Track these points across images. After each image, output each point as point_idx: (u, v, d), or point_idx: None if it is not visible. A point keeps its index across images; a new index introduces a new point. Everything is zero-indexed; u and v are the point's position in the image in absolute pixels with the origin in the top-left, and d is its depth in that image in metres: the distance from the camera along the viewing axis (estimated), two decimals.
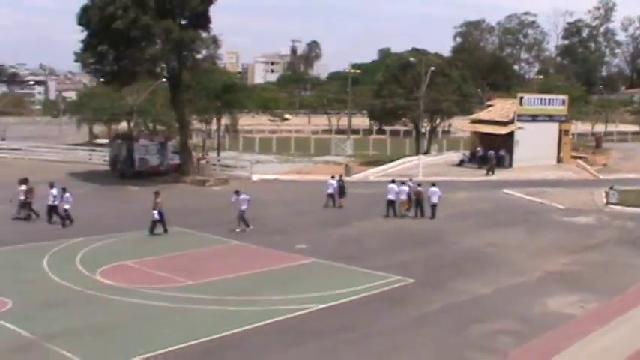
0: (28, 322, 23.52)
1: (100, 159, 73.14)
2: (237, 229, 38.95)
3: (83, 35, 59.55)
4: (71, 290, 27.65)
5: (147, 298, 26.61)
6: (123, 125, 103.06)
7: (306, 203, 50.37)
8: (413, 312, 25.77)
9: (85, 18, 58.75)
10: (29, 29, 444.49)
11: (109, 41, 58.10)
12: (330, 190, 48.68)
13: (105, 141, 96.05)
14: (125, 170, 62.43)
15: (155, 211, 38.37)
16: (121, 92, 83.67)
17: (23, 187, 42.51)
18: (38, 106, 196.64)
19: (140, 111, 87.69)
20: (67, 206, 40.33)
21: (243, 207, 39.65)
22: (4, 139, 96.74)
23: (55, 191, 40.98)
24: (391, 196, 45.08)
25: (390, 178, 49.78)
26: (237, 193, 40.63)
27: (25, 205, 42.26)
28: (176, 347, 21.41)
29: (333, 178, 50.13)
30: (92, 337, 22.41)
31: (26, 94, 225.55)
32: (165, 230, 38.71)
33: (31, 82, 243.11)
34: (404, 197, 45.11)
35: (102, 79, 70.87)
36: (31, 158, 76.17)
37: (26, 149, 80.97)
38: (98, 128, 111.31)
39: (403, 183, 46.85)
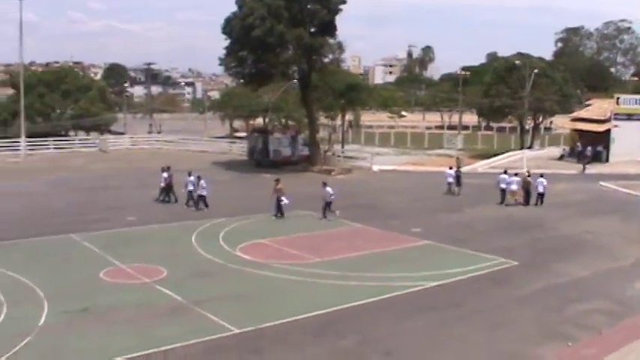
0: (180, 289, 24.30)
1: (239, 150, 74.18)
2: (331, 218, 38.14)
3: (226, 43, 60.90)
4: (215, 263, 28.38)
5: (279, 272, 27.04)
6: (259, 120, 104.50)
7: (421, 191, 50.15)
8: (516, 291, 25.41)
9: (228, 28, 59.97)
10: (180, 39, 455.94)
11: (248, 47, 59.11)
12: (450, 179, 48.66)
13: (243, 134, 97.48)
14: (261, 160, 63.19)
15: (284, 197, 38.58)
16: (258, 92, 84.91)
17: (165, 175, 43.58)
18: (187, 104, 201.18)
19: (274, 108, 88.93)
20: (203, 192, 40.83)
21: (328, 199, 38.64)
22: (159, 132, 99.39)
23: (192, 178, 41.56)
24: (503, 185, 44.52)
25: (500, 170, 48.83)
26: (324, 184, 39.62)
27: (167, 189, 43.36)
28: (303, 316, 21.78)
29: (451, 168, 50.27)
30: (233, 304, 22.98)
31: (178, 94, 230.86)
32: (276, 214, 38.68)
33: (182, 84, 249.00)
34: (514, 187, 44.37)
35: (242, 81, 71.90)
36: (181, 149, 78.11)
37: (177, 141, 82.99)
38: (237, 123, 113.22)
39: (516, 174, 46.25)
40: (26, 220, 37.21)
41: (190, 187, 41.31)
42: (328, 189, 38.74)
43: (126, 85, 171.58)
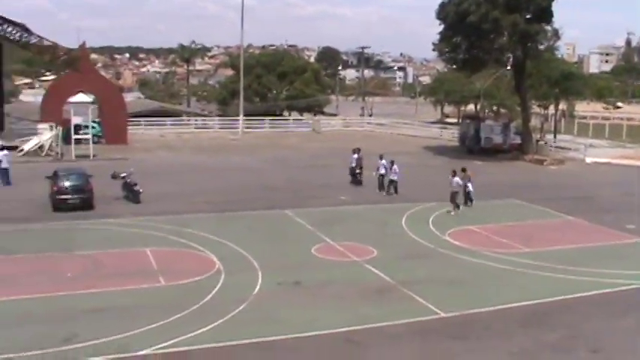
0: (389, 269, 24.66)
1: (449, 135, 73.71)
2: (452, 212, 35.67)
3: (440, 28, 60.71)
4: (424, 246, 28.55)
5: (488, 259, 26.75)
6: (470, 107, 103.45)
7: (637, 186, 47.77)
8: None
9: (442, 13, 59.78)
10: (392, 23, 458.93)
11: (462, 33, 58.71)
12: None
13: (454, 120, 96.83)
14: (472, 146, 62.34)
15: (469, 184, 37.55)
16: (470, 78, 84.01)
17: (355, 156, 43.60)
18: (398, 88, 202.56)
19: (486, 95, 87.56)
20: (394, 177, 40.17)
21: (456, 188, 36.16)
22: (371, 115, 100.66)
23: (384, 162, 41.17)
24: None
25: None
26: (454, 173, 36.43)
27: (356, 171, 43.25)
28: (511, 305, 21.48)
29: None
30: (440, 288, 23.05)
31: (389, 78, 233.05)
32: (459, 206, 36.45)
33: (394, 68, 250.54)
34: None
35: (454, 66, 71.43)
36: (392, 132, 78.68)
37: (389, 124, 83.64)
38: (448, 108, 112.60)
39: None
40: (245, 194, 39.03)
41: (382, 171, 41.00)
42: (456, 179, 36.31)
43: (339, 68, 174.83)
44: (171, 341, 17.79)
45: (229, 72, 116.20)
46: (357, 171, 43.23)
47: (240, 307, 20.32)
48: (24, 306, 20.63)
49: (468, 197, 37.49)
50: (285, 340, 18.26)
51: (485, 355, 18.02)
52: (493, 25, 56.10)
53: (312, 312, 20.37)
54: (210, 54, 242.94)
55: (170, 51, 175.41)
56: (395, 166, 40.54)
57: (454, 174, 36.38)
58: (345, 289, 22.55)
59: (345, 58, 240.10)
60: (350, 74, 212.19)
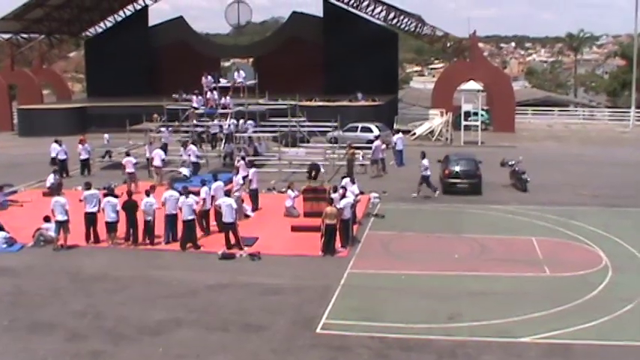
0: None
1: None
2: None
3: None
4: None
5: None
6: None
7: None
8: None
9: None
10: None
11: None
12: None
13: None
14: None
15: None
16: None
17: None
18: None
19: None
20: None
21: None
22: None
23: None
24: None
25: None
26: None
27: None
28: None
29: None
30: None
31: None
32: None
33: None
34: None
35: None
36: None
37: None
38: None
39: None
40: (633, 189, 36.64)
41: None
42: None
43: None
44: (552, 332, 17.51)
45: (620, 62, 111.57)
46: None
47: (627, 307, 19.24)
48: (414, 280, 21.76)
49: None
50: None
51: None
52: None
53: None
54: (598, 43, 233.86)
55: (556, 40, 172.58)
56: None
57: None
58: None
59: None
60: None
